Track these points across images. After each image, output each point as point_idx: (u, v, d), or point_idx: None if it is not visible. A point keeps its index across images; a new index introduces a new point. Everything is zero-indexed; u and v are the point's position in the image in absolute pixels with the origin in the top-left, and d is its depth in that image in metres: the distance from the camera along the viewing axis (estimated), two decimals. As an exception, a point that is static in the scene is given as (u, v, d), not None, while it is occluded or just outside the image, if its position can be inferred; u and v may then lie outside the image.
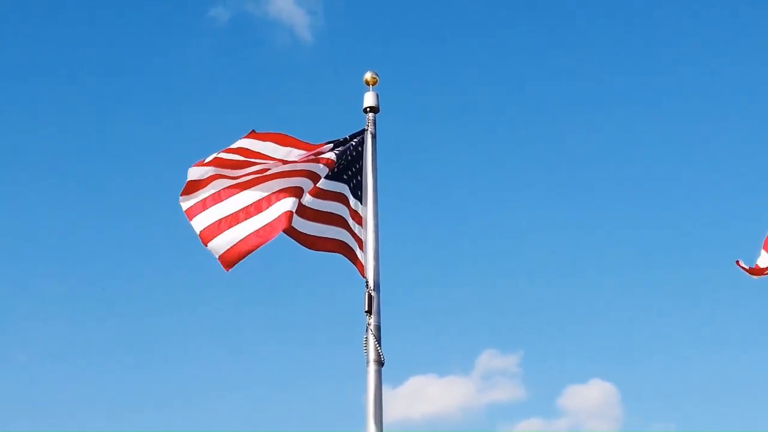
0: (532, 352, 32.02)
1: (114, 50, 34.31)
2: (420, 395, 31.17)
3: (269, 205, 9.94)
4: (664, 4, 36.41)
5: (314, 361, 30.16)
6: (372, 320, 10.01)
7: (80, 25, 34.43)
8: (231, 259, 9.92)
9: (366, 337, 9.96)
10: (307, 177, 10.16)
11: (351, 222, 10.63)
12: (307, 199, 10.35)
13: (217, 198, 10.04)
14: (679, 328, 32.47)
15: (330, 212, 10.57)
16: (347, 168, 10.74)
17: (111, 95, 34.18)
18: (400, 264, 26.08)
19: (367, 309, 10.05)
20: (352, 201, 10.75)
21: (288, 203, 9.84)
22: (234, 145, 10.25)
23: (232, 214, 9.95)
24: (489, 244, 34.10)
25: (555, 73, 35.91)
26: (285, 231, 9.97)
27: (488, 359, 32.35)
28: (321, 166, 10.28)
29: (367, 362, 9.87)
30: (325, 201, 10.59)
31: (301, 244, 10.39)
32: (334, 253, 10.56)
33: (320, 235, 10.47)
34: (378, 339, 9.95)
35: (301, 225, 10.26)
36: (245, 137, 10.34)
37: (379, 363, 9.86)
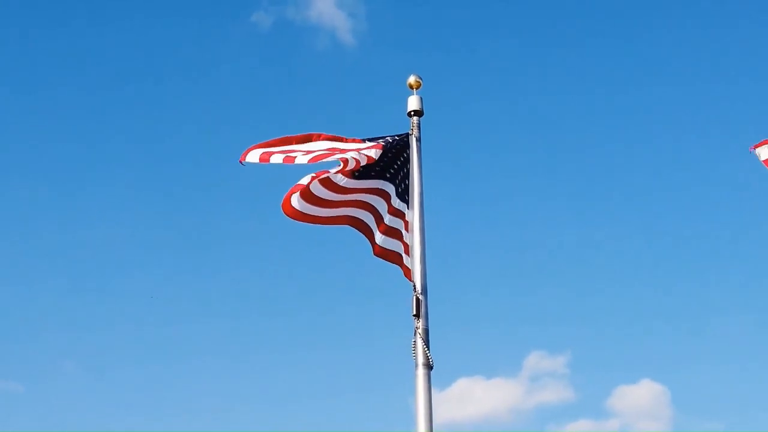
0: (580, 352, 31.84)
1: (156, 56, 34.64)
2: (467, 398, 31.12)
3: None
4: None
5: (363, 365, 30.21)
6: (420, 324, 10.02)
7: (123, 32, 34.79)
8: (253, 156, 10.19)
9: (414, 341, 9.98)
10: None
11: (405, 234, 10.63)
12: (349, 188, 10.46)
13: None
14: (729, 327, 32.12)
15: (395, 228, 10.59)
16: (389, 166, 10.75)
17: (156, 100, 34.48)
18: (447, 267, 26.07)
19: (415, 312, 10.06)
20: (396, 201, 10.74)
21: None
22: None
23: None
24: (535, 246, 33.96)
25: (601, 74, 35.70)
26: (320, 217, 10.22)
27: (536, 360, 32.22)
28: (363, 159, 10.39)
29: (416, 366, 9.88)
30: (394, 217, 10.63)
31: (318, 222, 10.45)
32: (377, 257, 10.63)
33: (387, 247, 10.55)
34: (426, 342, 9.96)
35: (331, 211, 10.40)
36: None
37: (428, 366, 9.87)
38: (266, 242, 31.75)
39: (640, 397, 31.66)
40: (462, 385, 31.07)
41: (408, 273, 10.40)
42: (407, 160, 10.90)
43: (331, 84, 34.82)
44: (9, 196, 32.10)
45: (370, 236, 10.54)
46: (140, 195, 33.12)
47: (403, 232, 10.64)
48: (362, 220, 10.56)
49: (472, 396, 31.27)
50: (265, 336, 30.71)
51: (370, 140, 10.72)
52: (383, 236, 10.56)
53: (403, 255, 10.53)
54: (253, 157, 10.31)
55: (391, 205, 10.70)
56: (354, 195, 10.50)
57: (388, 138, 10.85)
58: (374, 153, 10.40)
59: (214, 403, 28.65)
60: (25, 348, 29.03)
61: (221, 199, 32.62)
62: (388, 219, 10.65)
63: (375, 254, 10.57)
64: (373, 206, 10.60)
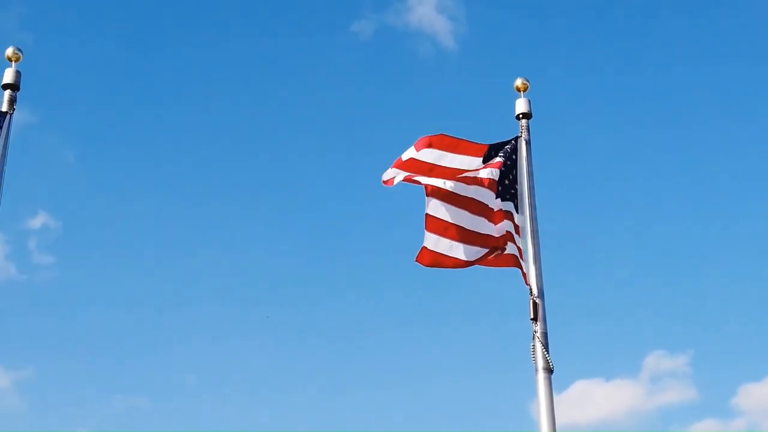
0: (702, 351, 31.08)
1: (261, 70, 35.15)
2: (586, 400, 30.70)
3: (481, 243, 10.22)
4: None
5: (481, 370, 30.11)
6: (538, 327, 9.96)
7: (224, 50, 35.45)
8: (428, 261, 10.13)
9: (533, 345, 9.92)
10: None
11: (516, 236, 10.61)
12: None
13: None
14: None
15: (509, 232, 10.53)
16: (506, 181, 10.71)
17: (261, 114, 34.99)
18: (562, 269, 25.81)
19: (532, 316, 10.01)
20: (517, 216, 10.68)
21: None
22: (416, 156, 10.56)
23: (455, 225, 10.25)
24: (651, 244, 33.36)
25: (714, 73, 34.89)
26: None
27: (656, 361, 31.60)
28: (485, 190, 10.38)
29: (536, 370, 9.82)
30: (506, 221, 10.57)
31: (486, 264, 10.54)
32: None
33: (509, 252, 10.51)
34: (545, 346, 9.88)
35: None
36: (419, 146, 10.62)
37: (548, 370, 9.79)
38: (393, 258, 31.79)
39: (767, 394, 30.74)
40: (580, 387, 30.67)
41: (525, 277, 10.35)
42: (514, 165, 10.83)
43: (435, 90, 34.81)
44: (135, 217, 32.99)
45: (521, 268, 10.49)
46: (250, 205, 33.64)
47: (515, 236, 10.57)
48: (515, 256, 10.51)
49: (591, 398, 30.84)
50: (388, 347, 30.82)
51: (490, 149, 10.69)
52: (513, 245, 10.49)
53: (520, 260, 10.46)
54: (397, 177, 10.48)
55: (492, 210, 10.58)
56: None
57: (507, 148, 10.79)
58: (494, 174, 10.39)
59: (342, 409, 28.94)
60: (149, 364, 29.78)
61: (345, 212, 32.94)
62: (498, 225, 10.53)
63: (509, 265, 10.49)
64: (511, 234, 10.57)
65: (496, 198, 10.43)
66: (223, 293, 31.47)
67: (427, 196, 10.23)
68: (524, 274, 10.31)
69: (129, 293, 30.91)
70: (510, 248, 10.44)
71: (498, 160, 10.52)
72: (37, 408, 28.00)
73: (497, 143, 10.86)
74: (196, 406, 27.95)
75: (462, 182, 10.28)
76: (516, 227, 10.58)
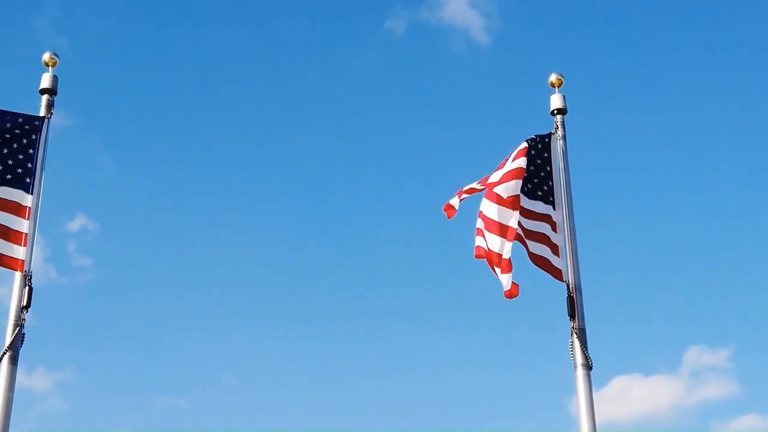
0: (744, 345, 30.74)
1: (296, 70, 35.25)
2: (626, 396, 30.50)
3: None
4: None
5: (518, 367, 30.02)
6: (576, 324, 9.92)
7: (257, 48, 35.60)
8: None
9: (572, 342, 9.88)
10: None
11: (552, 235, 10.52)
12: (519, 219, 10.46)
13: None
14: None
15: (538, 231, 10.49)
16: (535, 180, 10.64)
17: (295, 114, 35.09)
18: (599, 264, 25.66)
19: (570, 313, 9.97)
20: (553, 213, 10.63)
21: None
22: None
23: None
24: (690, 237, 33.08)
25: (752, 64, 34.50)
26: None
27: (696, 355, 31.32)
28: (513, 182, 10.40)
29: (575, 366, 9.78)
30: (531, 221, 10.51)
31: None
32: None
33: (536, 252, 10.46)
34: (583, 342, 9.84)
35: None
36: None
37: (587, 366, 9.75)
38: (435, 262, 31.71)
39: (810, 388, 30.34)
40: (619, 383, 30.48)
41: (559, 274, 10.30)
42: (545, 163, 10.77)
43: (469, 86, 34.67)
44: (171, 218, 33.23)
45: (525, 244, 10.43)
46: (286, 196, 33.78)
47: (549, 232, 10.51)
48: (548, 259, 10.46)
49: (630, 394, 30.65)
50: (427, 344, 30.78)
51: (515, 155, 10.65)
52: (532, 242, 10.44)
53: (551, 257, 10.39)
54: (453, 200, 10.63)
55: (525, 209, 10.49)
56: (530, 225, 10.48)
57: (532, 141, 10.73)
58: (522, 162, 10.35)
59: (392, 408, 29.02)
60: (188, 364, 29.98)
61: (380, 209, 32.94)
62: (528, 224, 10.46)
63: (532, 262, 10.40)
64: (546, 236, 10.50)
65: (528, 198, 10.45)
66: (262, 294, 31.61)
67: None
68: (557, 271, 10.27)
69: (166, 294, 31.16)
70: (535, 247, 10.39)
71: (515, 167, 10.43)
72: (78, 409, 28.30)
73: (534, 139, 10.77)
74: (234, 406, 28.11)
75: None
76: (552, 224, 10.54)
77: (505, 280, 9.83)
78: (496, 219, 10.12)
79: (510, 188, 10.11)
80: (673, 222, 32.97)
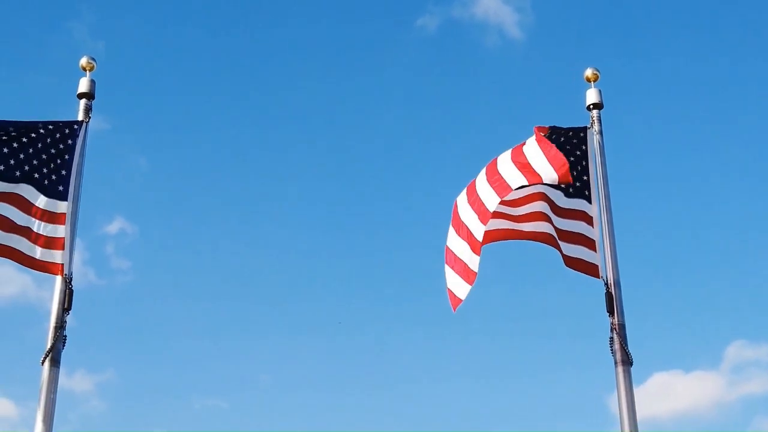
0: (787, 340, 30.36)
1: (328, 70, 35.31)
2: (666, 393, 30.24)
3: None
4: None
5: (557, 363, 29.90)
6: (615, 320, 9.84)
7: (290, 48, 35.70)
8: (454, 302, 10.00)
9: (611, 338, 9.81)
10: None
11: (588, 231, 10.40)
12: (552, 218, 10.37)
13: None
14: None
15: (572, 231, 10.39)
16: (578, 177, 10.51)
17: (331, 111, 35.15)
18: (638, 259, 25.46)
19: (608, 309, 9.90)
20: (562, 200, 10.47)
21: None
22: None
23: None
24: (729, 231, 32.76)
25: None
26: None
27: (738, 351, 30.98)
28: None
29: (615, 363, 9.70)
30: (566, 220, 10.41)
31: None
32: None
33: (570, 255, 10.35)
34: (623, 338, 9.77)
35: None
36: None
37: (628, 363, 9.67)
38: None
39: None
40: (659, 379, 30.22)
41: (595, 271, 10.22)
42: (581, 157, 10.70)
43: (503, 81, 34.49)
44: (208, 219, 33.44)
45: (559, 248, 10.35)
46: (321, 201, 33.88)
47: (585, 228, 10.43)
48: (547, 233, 10.40)
49: (671, 391, 30.38)
50: (466, 341, 30.73)
51: (551, 133, 10.56)
52: (565, 243, 10.34)
53: (587, 255, 10.30)
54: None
55: (558, 207, 10.44)
56: (526, 206, 10.41)
57: (562, 132, 10.67)
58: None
59: (429, 405, 29.01)
60: (225, 364, 30.14)
61: (424, 206, 32.91)
62: (560, 223, 10.38)
63: (567, 266, 10.32)
64: (544, 214, 10.40)
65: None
66: (299, 294, 31.71)
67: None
68: (594, 268, 10.19)
69: (204, 295, 31.32)
70: (569, 249, 10.25)
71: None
72: (118, 410, 28.50)
73: (560, 128, 10.69)
74: (272, 406, 28.23)
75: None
76: (588, 219, 10.45)
77: (465, 291, 9.72)
78: (468, 226, 9.98)
79: (491, 200, 9.91)
80: (712, 215, 32.68)
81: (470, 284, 9.69)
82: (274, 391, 28.89)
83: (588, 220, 10.43)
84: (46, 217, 9.80)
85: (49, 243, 9.74)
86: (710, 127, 33.52)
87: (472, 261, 9.72)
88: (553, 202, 10.42)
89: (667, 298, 30.43)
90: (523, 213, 10.36)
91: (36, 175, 9.86)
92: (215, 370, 29.42)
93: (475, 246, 9.74)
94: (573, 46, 33.23)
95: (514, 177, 9.76)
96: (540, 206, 10.35)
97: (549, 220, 10.34)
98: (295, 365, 29.57)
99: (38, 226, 9.72)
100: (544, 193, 10.36)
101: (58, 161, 10.07)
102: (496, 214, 10.07)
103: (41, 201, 9.81)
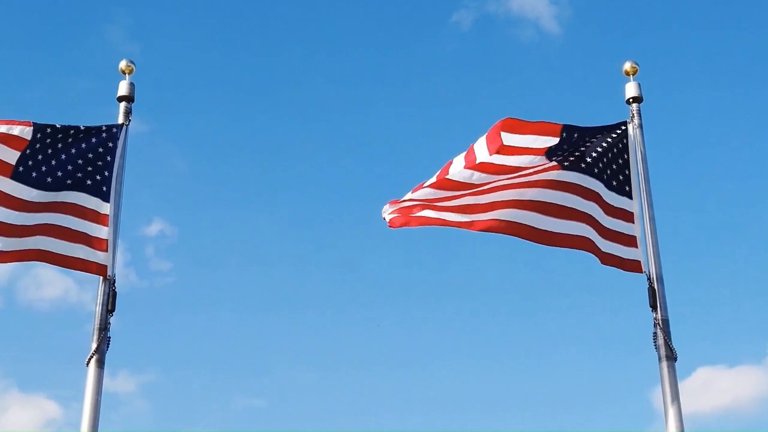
0: (833, 333, 29.98)
1: (363, 66, 35.30)
2: (710, 388, 29.98)
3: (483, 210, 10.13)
4: None
5: (599, 361, 29.71)
6: (659, 315, 9.77)
7: (324, 46, 35.74)
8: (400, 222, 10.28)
9: (655, 333, 9.74)
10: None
11: (603, 218, 10.18)
12: (534, 192, 10.13)
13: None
14: None
15: (612, 229, 10.19)
16: (598, 160, 10.33)
17: (364, 110, 35.14)
18: (680, 254, 25.25)
19: (651, 303, 9.83)
20: (611, 197, 10.28)
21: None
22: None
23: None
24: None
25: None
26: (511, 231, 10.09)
27: (782, 345, 30.65)
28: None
29: (660, 358, 9.62)
30: (609, 217, 10.22)
31: (529, 239, 10.07)
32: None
33: (555, 230, 10.07)
34: (667, 333, 9.69)
35: (531, 219, 10.04)
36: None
37: (672, 358, 9.59)
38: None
39: None
40: (703, 374, 29.96)
41: (638, 266, 10.09)
42: (622, 151, 10.58)
43: (540, 76, 34.30)
44: (248, 220, 33.60)
45: (595, 249, 10.12)
46: (344, 193, 33.86)
47: (626, 225, 10.31)
48: (585, 237, 10.11)
49: (714, 386, 30.10)
50: (509, 335, 30.62)
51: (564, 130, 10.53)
52: (605, 241, 10.16)
53: (624, 251, 10.20)
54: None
55: (606, 203, 10.25)
56: (569, 196, 10.12)
57: (605, 132, 10.59)
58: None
59: (459, 404, 28.95)
60: (266, 365, 30.26)
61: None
62: (606, 221, 10.20)
63: (603, 263, 10.14)
64: (590, 216, 10.14)
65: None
66: (338, 294, 31.77)
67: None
68: (637, 263, 10.11)
69: (244, 295, 31.47)
70: (607, 246, 10.07)
71: (552, 163, 10.18)
72: (160, 410, 28.73)
73: (579, 127, 10.58)
74: (313, 406, 28.31)
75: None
76: (629, 215, 10.31)
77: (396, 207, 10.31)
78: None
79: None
80: (754, 208, 32.32)
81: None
82: (315, 391, 28.99)
83: (629, 216, 10.31)
84: (97, 218, 10.00)
85: (90, 242, 9.91)
86: (752, 120, 33.16)
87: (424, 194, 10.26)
88: (599, 197, 10.25)
89: (710, 292, 30.16)
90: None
91: (86, 181, 10.06)
92: (256, 370, 29.58)
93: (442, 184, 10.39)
94: (611, 39, 33.01)
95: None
96: (586, 206, 10.16)
97: (593, 221, 10.20)
98: (337, 365, 29.66)
99: (92, 229, 9.93)
100: (587, 189, 10.18)
101: (100, 163, 10.23)
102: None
103: (92, 203, 10.01)
